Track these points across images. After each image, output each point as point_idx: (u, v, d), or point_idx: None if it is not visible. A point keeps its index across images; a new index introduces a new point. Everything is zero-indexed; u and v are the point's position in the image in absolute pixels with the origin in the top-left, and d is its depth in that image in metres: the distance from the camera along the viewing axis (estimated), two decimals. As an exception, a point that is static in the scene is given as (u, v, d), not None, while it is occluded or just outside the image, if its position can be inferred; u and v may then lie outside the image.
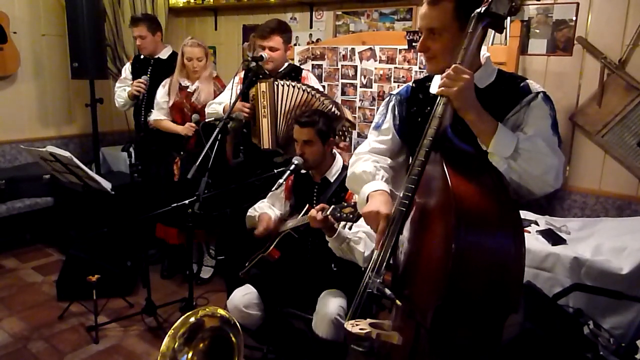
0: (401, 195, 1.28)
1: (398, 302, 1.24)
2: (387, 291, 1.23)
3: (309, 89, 2.70)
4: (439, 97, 1.26)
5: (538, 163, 1.23)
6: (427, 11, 1.34)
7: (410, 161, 1.58)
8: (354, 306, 1.34)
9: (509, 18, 2.94)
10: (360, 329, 1.25)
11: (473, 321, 1.14)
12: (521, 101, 1.33)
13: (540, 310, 2.05)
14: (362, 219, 1.83)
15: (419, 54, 3.17)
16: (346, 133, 2.70)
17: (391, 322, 1.33)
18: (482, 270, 1.09)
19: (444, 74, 1.24)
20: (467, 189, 1.13)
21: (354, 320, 1.29)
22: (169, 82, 3.26)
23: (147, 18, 3.47)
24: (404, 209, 1.26)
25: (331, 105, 2.67)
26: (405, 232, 1.29)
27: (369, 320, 1.28)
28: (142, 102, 3.46)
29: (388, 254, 1.27)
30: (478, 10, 1.24)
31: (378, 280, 1.25)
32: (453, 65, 1.23)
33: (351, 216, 1.84)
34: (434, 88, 1.49)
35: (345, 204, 1.88)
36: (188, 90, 3.23)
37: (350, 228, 1.94)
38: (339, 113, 2.67)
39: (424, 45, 1.37)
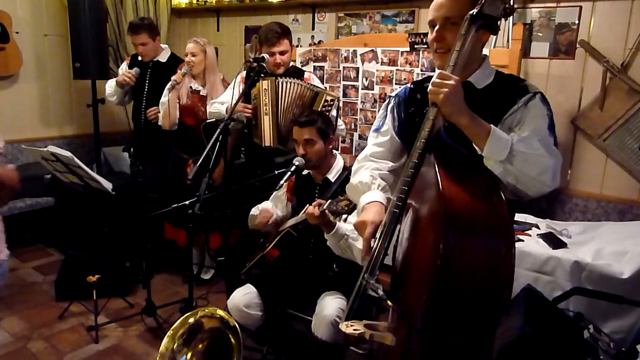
0: (395, 197, 1.28)
1: (389, 302, 1.24)
2: (380, 292, 1.23)
3: (303, 83, 2.74)
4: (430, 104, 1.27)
5: (534, 164, 1.23)
6: (443, 1, 1.34)
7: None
8: (348, 307, 1.34)
9: (511, 21, 2.95)
10: (354, 330, 1.25)
11: (464, 323, 1.13)
12: (518, 101, 1.34)
13: (541, 314, 2.05)
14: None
15: (421, 55, 3.17)
16: (329, 107, 2.72)
17: (387, 323, 1.34)
18: (471, 272, 1.09)
19: (431, 81, 1.24)
20: (458, 190, 1.13)
21: (348, 321, 1.29)
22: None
23: (146, 25, 3.39)
24: (397, 211, 1.26)
25: (315, 88, 2.73)
26: (403, 233, 1.30)
27: (364, 322, 1.28)
28: (142, 105, 3.46)
29: (381, 255, 1.27)
30: (471, 12, 1.24)
31: (372, 282, 1.25)
32: (438, 72, 1.24)
33: (346, 208, 1.84)
34: None
35: (341, 197, 1.88)
36: (201, 93, 3.23)
37: (345, 220, 1.94)
38: (318, 90, 2.72)
39: (441, 34, 1.34)
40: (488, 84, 1.40)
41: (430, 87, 1.24)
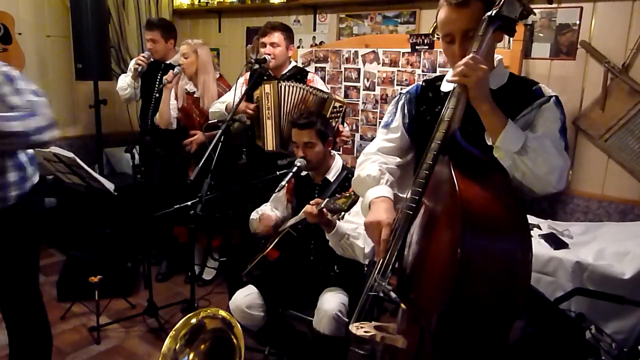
0: (408, 198, 1.27)
1: (403, 305, 1.23)
2: (392, 294, 1.22)
3: (307, 87, 2.72)
4: (448, 98, 1.26)
5: (543, 162, 1.23)
6: (457, 14, 1.30)
7: (419, 162, 1.57)
8: (358, 309, 1.33)
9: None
10: (365, 332, 1.24)
11: (478, 327, 1.13)
12: (533, 103, 1.34)
13: (542, 315, 2.05)
14: (355, 208, 1.84)
15: (422, 56, 3.17)
16: (338, 113, 2.70)
17: (396, 325, 1.33)
18: (488, 276, 1.08)
19: (462, 62, 1.21)
20: (474, 193, 1.12)
21: (358, 323, 1.28)
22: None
23: (162, 24, 3.44)
24: (411, 212, 1.25)
25: (321, 93, 2.70)
26: (413, 235, 1.28)
27: (373, 323, 1.27)
28: (151, 105, 3.46)
29: (394, 258, 1.26)
30: (489, 13, 1.23)
31: (384, 283, 1.24)
32: (471, 55, 1.21)
33: (344, 206, 1.85)
34: (444, 87, 1.49)
35: (339, 195, 1.88)
36: (195, 95, 3.24)
37: (342, 218, 1.94)
38: (327, 96, 2.68)
39: (465, 48, 1.29)
40: (502, 85, 1.40)
41: (459, 69, 1.21)
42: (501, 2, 1.22)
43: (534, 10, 1.29)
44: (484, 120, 1.26)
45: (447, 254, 1.10)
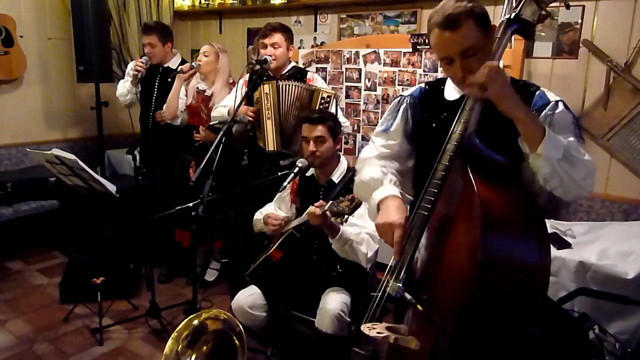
0: (424, 199, 1.24)
1: (419, 307, 1.21)
2: (408, 296, 1.20)
3: (300, 84, 2.74)
4: (465, 99, 1.24)
5: (581, 167, 1.22)
6: (451, 37, 1.27)
7: (420, 168, 1.55)
8: (370, 310, 1.31)
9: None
10: (378, 333, 1.23)
11: (495, 329, 1.12)
12: (543, 111, 1.31)
13: (546, 315, 2.04)
14: (359, 211, 1.83)
15: (423, 56, 3.16)
16: (327, 104, 2.70)
17: (406, 326, 1.31)
18: (507, 279, 1.07)
19: (479, 74, 1.18)
20: (493, 196, 1.11)
21: (370, 324, 1.26)
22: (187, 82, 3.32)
23: (159, 28, 3.44)
24: (426, 214, 1.22)
25: (308, 86, 2.74)
26: (423, 237, 1.25)
27: (385, 324, 1.26)
28: (151, 109, 3.46)
29: (408, 259, 1.24)
30: (508, 15, 1.22)
31: (398, 285, 1.22)
32: (487, 63, 1.18)
33: (348, 209, 1.84)
34: (448, 94, 1.46)
35: (342, 198, 1.88)
36: (205, 94, 3.25)
37: (346, 221, 1.94)
38: (313, 89, 2.71)
39: (469, 67, 1.26)
40: None
41: (476, 81, 1.18)
42: (520, 6, 1.21)
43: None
44: (520, 129, 1.21)
45: (466, 256, 1.09)
